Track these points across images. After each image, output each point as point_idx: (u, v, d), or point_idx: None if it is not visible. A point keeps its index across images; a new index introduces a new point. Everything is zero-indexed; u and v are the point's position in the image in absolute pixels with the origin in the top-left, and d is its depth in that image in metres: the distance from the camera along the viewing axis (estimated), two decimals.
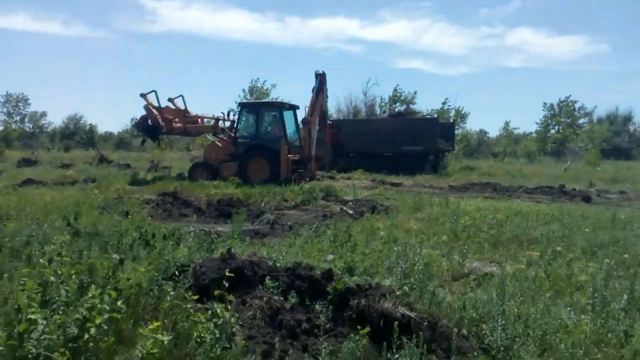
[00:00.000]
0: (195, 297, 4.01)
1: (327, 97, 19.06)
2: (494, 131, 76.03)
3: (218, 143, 18.66)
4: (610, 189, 18.65)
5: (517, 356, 3.33)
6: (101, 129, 63.74)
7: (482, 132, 59.20)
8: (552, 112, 57.75)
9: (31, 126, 64.23)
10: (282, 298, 4.37)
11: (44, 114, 64.78)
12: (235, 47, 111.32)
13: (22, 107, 64.34)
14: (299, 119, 18.58)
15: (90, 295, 3.42)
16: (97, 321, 3.30)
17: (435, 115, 37.29)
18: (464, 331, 3.75)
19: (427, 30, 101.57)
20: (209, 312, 3.76)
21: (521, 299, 4.31)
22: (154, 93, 18.73)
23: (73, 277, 3.62)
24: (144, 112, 18.91)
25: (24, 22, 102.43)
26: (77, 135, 57.65)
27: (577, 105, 56.14)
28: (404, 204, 12.03)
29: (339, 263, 5.88)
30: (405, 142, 25.68)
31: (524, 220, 9.61)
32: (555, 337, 3.69)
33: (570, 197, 16.08)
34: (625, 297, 4.51)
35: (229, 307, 3.87)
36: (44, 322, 3.13)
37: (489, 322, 3.83)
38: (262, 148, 17.35)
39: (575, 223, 9.42)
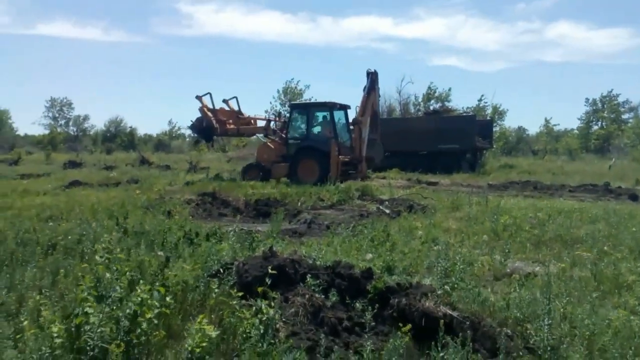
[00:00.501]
0: (240, 294, 4.12)
1: (379, 96, 18.65)
2: (533, 128, 74.13)
3: (270, 144, 18.72)
4: None
5: (565, 356, 3.27)
6: (140, 131, 65.73)
7: (521, 129, 57.75)
8: (594, 107, 55.80)
9: (75, 129, 66.74)
10: (323, 296, 4.42)
11: (86, 118, 67.35)
12: (269, 49, 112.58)
13: (66, 111, 66.95)
14: (350, 119, 18.32)
15: (140, 291, 3.58)
16: (148, 316, 3.45)
17: (472, 113, 36.62)
18: (508, 331, 3.71)
19: (461, 27, 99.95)
20: (254, 308, 3.86)
21: (567, 299, 4.22)
22: (208, 95, 19.02)
23: (127, 273, 3.79)
24: (198, 114, 19.09)
25: (66, 29, 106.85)
26: (118, 137, 59.61)
27: (620, 100, 54.04)
28: (441, 203, 11.90)
29: (378, 262, 5.90)
30: (442, 141, 25.32)
31: (568, 219, 9.35)
32: (603, 338, 3.61)
33: (616, 196, 15.49)
34: None
35: (273, 303, 3.97)
36: (99, 315, 3.30)
37: (534, 322, 3.78)
38: (312, 149, 17.21)
39: (621, 222, 9.08)
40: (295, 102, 18.54)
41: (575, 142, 52.33)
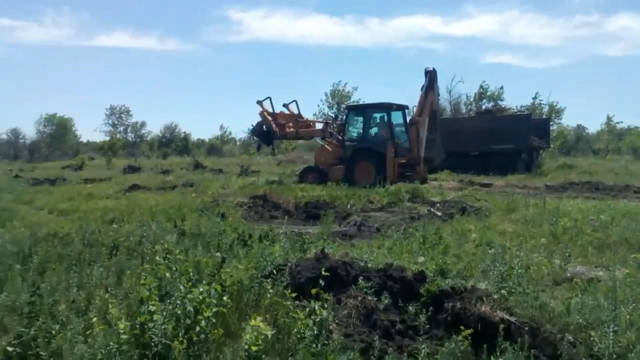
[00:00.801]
0: (293, 295, 4.19)
1: (438, 95, 18.09)
2: (593, 126, 70.56)
3: (327, 147, 18.64)
4: None
5: None
6: (194, 136, 67.77)
7: (580, 128, 55.01)
8: None
9: (133, 136, 69.65)
10: (375, 298, 4.42)
11: (143, 124, 69.91)
12: (317, 52, 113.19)
13: (124, 118, 69.78)
14: (409, 119, 17.85)
15: (199, 290, 3.72)
16: (207, 314, 3.58)
17: (527, 112, 35.29)
18: (570, 337, 3.57)
19: (514, 23, 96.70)
20: (307, 309, 3.92)
21: (634, 304, 4.00)
22: (268, 99, 19.36)
23: (190, 273, 3.94)
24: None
25: (124, 40, 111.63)
26: (173, 142, 61.77)
27: None
28: (495, 205, 11.56)
29: (431, 265, 5.82)
30: (495, 141, 24.54)
31: (633, 222, 8.83)
32: None
33: None
34: None
35: (326, 305, 4.01)
36: (163, 313, 3.46)
37: (598, 329, 3.62)
38: (369, 151, 17.03)
39: None
40: (351, 104, 18.03)
41: None
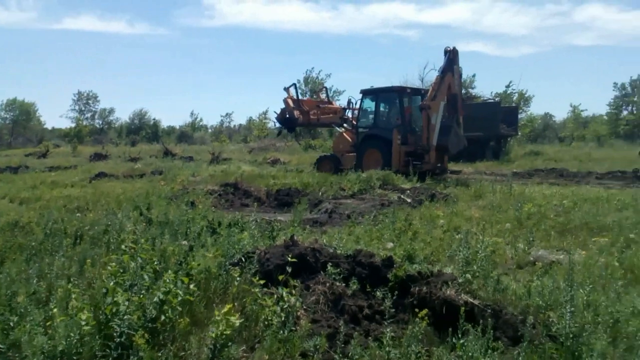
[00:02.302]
0: (262, 282, 4.18)
1: (460, 76, 16.21)
2: (560, 114, 72.42)
3: (345, 134, 18.15)
4: None
5: (587, 344, 3.24)
6: (164, 123, 66.56)
7: (548, 116, 56.38)
8: (623, 92, 54.12)
9: (100, 122, 67.86)
10: (343, 284, 4.45)
11: (112, 111, 68.17)
12: (291, 38, 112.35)
13: (92, 105, 67.86)
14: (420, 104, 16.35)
15: (165, 280, 3.66)
16: (173, 304, 3.54)
17: (497, 99, 35.91)
18: (531, 319, 3.68)
19: (487, 11, 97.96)
20: (275, 296, 3.93)
21: (591, 286, 4.16)
22: (293, 86, 19.07)
23: (154, 263, 3.88)
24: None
25: (91, 23, 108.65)
26: (142, 130, 60.51)
27: None
28: (464, 192, 11.78)
29: (399, 251, 5.89)
30: (465, 128, 24.88)
31: (594, 207, 9.15)
32: (627, 325, 3.56)
33: None
34: None
35: (294, 291, 4.02)
36: (127, 304, 3.40)
37: (557, 310, 3.75)
38: (377, 138, 16.37)
39: None
40: (366, 88, 17.08)
41: (604, 129, 50.86)
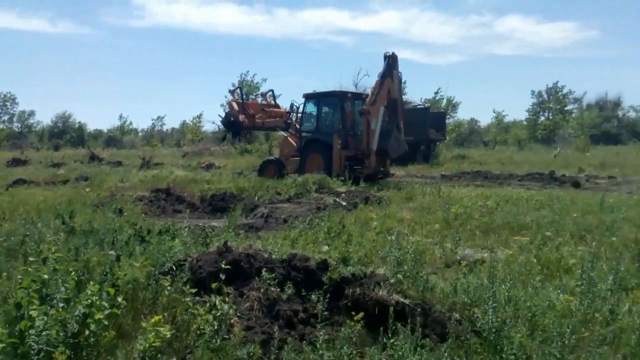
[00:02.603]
0: (194, 291, 4.07)
1: (400, 81, 16.60)
2: (485, 120, 76.54)
3: (289, 138, 17.95)
4: (600, 174, 18.90)
5: (508, 337, 3.43)
6: (90, 126, 63.35)
7: (473, 121, 59.53)
8: (540, 99, 58.14)
9: (19, 126, 63.55)
10: (278, 289, 4.43)
11: (32, 113, 64.11)
12: (224, 41, 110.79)
13: (9, 107, 63.53)
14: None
15: (88, 292, 3.47)
16: (97, 317, 3.35)
17: (427, 105, 37.40)
18: (457, 315, 3.85)
19: (416, 20, 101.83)
20: (208, 304, 3.84)
21: (511, 282, 4.42)
22: (239, 90, 18.74)
23: (72, 273, 3.66)
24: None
25: (9, 20, 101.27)
26: (66, 133, 57.27)
27: (564, 91, 56.57)
28: (396, 194, 12.14)
29: (334, 254, 5.96)
30: None
31: (515, 207, 9.76)
32: (544, 318, 3.82)
33: (560, 183, 16.30)
34: (611, 278, 4.65)
35: (227, 299, 3.95)
36: (44, 318, 3.18)
37: (481, 306, 3.94)
38: (319, 142, 16.41)
39: (564, 208, 9.58)
40: (308, 92, 16.90)
41: (524, 133, 54.37)
